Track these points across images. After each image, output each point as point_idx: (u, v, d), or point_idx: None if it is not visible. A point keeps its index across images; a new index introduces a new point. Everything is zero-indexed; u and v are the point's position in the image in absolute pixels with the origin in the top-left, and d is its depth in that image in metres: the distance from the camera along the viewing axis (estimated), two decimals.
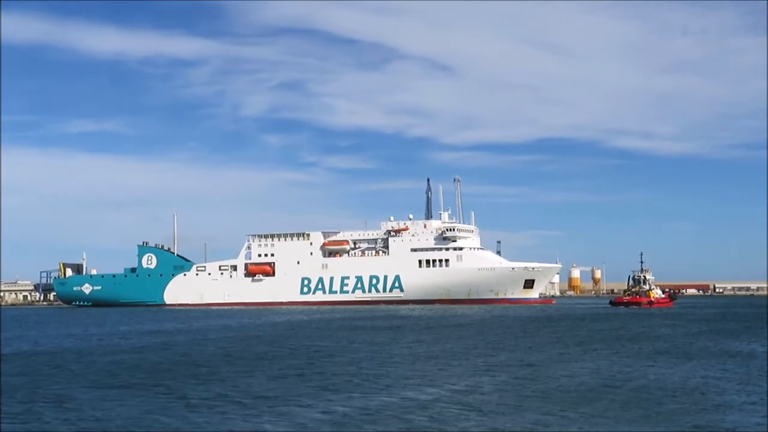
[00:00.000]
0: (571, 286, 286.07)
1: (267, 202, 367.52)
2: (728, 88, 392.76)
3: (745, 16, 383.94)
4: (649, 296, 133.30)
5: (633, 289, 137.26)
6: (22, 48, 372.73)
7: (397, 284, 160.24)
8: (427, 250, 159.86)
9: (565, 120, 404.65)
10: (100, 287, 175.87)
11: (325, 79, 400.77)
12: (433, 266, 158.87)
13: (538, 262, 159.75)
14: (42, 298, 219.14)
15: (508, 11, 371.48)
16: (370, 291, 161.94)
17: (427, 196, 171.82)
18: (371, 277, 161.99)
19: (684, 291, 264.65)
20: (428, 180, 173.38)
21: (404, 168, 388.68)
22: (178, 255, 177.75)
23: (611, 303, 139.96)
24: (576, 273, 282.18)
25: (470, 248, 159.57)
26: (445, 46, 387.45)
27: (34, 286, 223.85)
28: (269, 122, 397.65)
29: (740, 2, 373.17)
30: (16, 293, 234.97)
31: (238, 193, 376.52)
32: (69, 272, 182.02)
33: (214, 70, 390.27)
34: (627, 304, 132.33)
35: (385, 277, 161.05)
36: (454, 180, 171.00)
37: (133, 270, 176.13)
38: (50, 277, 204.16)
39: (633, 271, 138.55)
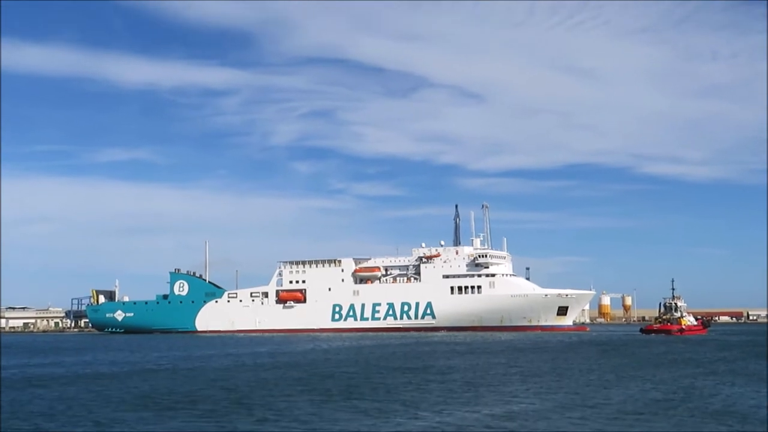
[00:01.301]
0: (602, 314, 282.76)
1: (296, 229, 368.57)
2: (758, 113, 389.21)
3: None
4: (681, 323, 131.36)
5: (664, 317, 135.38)
6: (55, 79, 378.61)
7: (429, 311, 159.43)
8: (459, 276, 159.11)
9: (593, 145, 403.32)
10: (132, 314, 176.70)
11: (354, 107, 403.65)
12: (466, 293, 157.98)
13: (568, 288, 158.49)
14: (73, 324, 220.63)
15: (536, 37, 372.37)
16: (401, 318, 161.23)
17: (456, 223, 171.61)
18: (403, 304, 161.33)
19: (717, 318, 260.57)
20: (456, 206, 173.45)
21: (433, 195, 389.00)
22: (209, 282, 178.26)
23: (642, 330, 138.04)
24: (606, 300, 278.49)
25: (503, 275, 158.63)
26: (473, 73, 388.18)
27: (66, 313, 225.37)
28: (298, 150, 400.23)
29: None
30: (47, 320, 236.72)
31: (267, 221, 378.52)
32: (102, 299, 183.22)
33: (245, 100, 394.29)
34: (657, 331, 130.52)
35: (417, 304, 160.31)
36: (483, 206, 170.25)
37: (165, 297, 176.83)
38: (81, 304, 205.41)
39: (664, 298, 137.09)
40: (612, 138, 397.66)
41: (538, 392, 40.39)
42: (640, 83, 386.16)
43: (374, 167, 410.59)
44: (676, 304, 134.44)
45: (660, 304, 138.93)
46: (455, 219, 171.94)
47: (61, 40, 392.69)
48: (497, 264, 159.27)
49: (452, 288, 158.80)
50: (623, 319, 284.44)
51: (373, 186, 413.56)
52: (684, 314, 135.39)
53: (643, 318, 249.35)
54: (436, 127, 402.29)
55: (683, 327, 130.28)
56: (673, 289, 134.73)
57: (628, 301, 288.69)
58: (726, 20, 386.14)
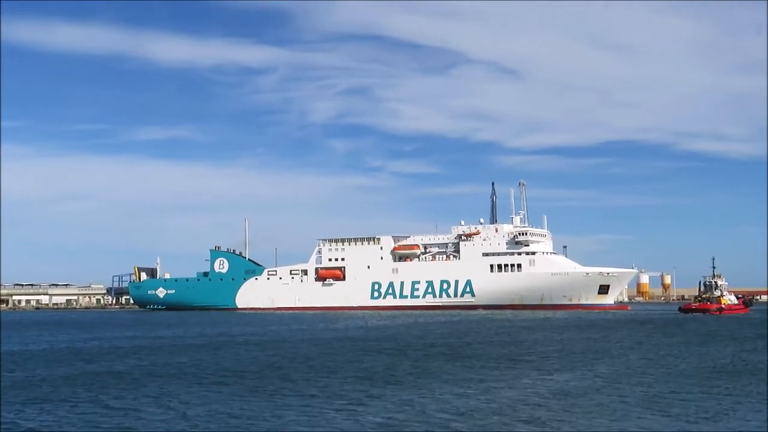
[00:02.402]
0: (640, 292, 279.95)
1: (334, 207, 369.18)
2: None
3: None
4: (720, 302, 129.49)
5: (704, 295, 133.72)
6: (94, 57, 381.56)
7: (468, 289, 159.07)
8: (498, 254, 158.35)
9: (633, 122, 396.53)
10: (173, 291, 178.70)
11: (390, 84, 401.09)
12: (505, 271, 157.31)
13: (605, 266, 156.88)
14: (114, 301, 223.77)
15: (574, 12, 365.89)
16: (440, 296, 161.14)
17: (492, 201, 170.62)
18: (442, 282, 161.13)
19: (759, 297, 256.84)
20: (493, 184, 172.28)
21: (469, 172, 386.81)
22: (249, 259, 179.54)
23: (680, 309, 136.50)
24: (645, 278, 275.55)
25: (543, 252, 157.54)
26: (510, 49, 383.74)
27: (107, 290, 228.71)
28: (335, 128, 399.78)
29: None
30: (89, 297, 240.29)
31: (305, 198, 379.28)
32: (143, 276, 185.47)
33: (282, 77, 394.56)
34: (696, 310, 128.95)
35: (456, 282, 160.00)
36: (519, 184, 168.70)
37: (206, 274, 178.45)
38: (122, 282, 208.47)
39: (704, 277, 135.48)
40: (652, 115, 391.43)
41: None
42: (681, 59, 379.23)
43: (410, 144, 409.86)
44: (716, 282, 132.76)
45: (700, 282, 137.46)
46: (492, 197, 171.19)
47: (99, 19, 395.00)
48: (537, 242, 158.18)
49: (492, 266, 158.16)
50: (662, 298, 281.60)
51: (410, 163, 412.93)
52: (724, 293, 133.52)
53: (683, 297, 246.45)
54: (473, 103, 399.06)
55: (723, 306, 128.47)
56: (713, 267, 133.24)
57: (668, 279, 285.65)
58: None
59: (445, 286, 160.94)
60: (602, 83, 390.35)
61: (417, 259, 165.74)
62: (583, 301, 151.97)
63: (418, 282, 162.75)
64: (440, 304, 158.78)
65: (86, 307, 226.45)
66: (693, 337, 67.21)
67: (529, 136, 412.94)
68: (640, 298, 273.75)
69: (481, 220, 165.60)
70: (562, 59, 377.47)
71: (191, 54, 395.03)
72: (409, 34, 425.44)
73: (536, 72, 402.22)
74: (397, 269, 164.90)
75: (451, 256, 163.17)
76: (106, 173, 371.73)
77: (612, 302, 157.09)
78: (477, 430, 25.15)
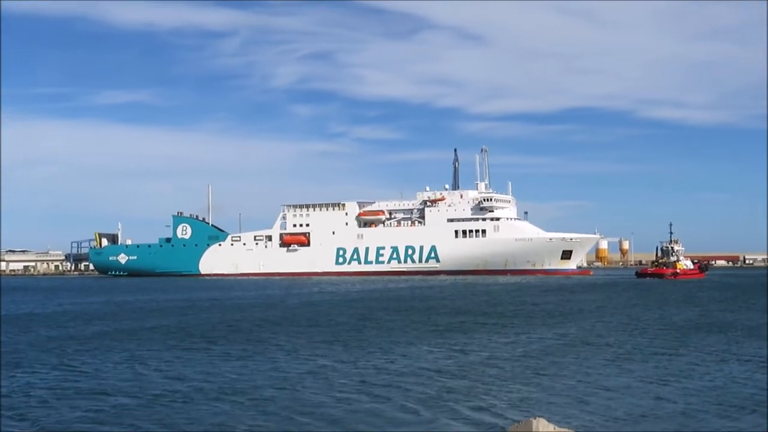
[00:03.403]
0: (599, 257, 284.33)
1: (298, 173, 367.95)
2: (763, 57, 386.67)
3: None
4: (676, 267, 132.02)
5: (661, 260, 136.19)
6: (52, 20, 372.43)
7: (433, 255, 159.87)
8: (463, 220, 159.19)
9: (596, 89, 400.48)
10: (135, 257, 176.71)
11: (354, 49, 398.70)
12: (470, 237, 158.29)
13: (567, 232, 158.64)
14: (73, 268, 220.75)
15: None
16: (405, 261, 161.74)
17: (455, 167, 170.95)
18: (407, 248, 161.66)
19: (714, 262, 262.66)
20: (455, 150, 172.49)
21: (433, 138, 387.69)
22: (212, 225, 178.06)
23: (636, 274, 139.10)
24: (603, 244, 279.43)
25: (507, 218, 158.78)
26: (475, 15, 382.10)
27: (66, 256, 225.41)
28: (298, 93, 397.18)
29: None
30: (47, 263, 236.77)
31: (268, 164, 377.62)
32: (104, 242, 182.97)
33: (244, 41, 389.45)
34: (652, 275, 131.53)
35: (421, 248, 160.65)
36: (482, 150, 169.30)
37: (168, 240, 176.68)
38: (81, 248, 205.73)
39: (661, 242, 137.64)
40: (615, 82, 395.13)
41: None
42: (645, 26, 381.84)
43: (374, 110, 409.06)
44: (672, 248, 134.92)
45: (657, 248, 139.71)
46: (454, 163, 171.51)
47: None
48: (502, 208, 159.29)
49: (456, 232, 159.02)
50: (620, 263, 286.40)
51: (374, 129, 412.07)
52: (680, 258, 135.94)
53: (640, 262, 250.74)
54: (437, 69, 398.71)
55: (677, 271, 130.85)
56: (671, 233, 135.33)
57: (626, 245, 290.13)
58: None
59: (410, 251, 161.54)
60: (566, 50, 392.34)
61: (382, 224, 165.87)
62: (546, 266, 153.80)
63: (383, 248, 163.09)
64: (405, 269, 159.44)
65: (44, 274, 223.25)
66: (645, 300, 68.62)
67: (493, 103, 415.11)
68: (599, 264, 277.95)
69: (446, 186, 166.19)
70: (526, 25, 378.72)
71: (151, 16, 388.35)
72: None
73: (501, 38, 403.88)
74: (362, 235, 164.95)
75: (416, 222, 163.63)
76: (67, 137, 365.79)
77: (575, 267, 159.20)
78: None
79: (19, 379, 27.45)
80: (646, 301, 67.91)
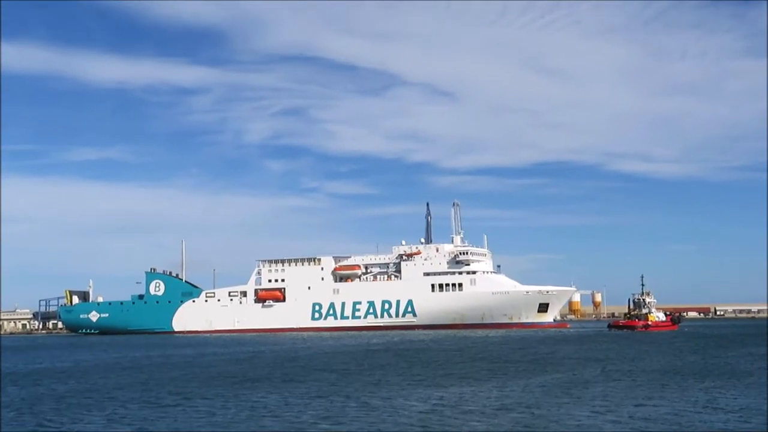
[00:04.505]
0: (572, 310, 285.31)
1: (271, 228, 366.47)
2: (728, 110, 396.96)
3: (743, 39, 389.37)
4: (648, 319, 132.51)
5: (633, 312, 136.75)
6: (25, 77, 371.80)
7: (410, 309, 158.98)
8: (440, 274, 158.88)
9: (564, 143, 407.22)
10: (107, 314, 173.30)
11: (326, 105, 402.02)
12: (447, 290, 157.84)
13: (540, 285, 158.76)
14: (41, 326, 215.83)
15: (508, 37, 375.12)
16: (382, 316, 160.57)
17: (427, 221, 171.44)
18: (383, 302, 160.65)
19: (685, 314, 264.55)
20: (427, 204, 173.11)
21: (405, 192, 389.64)
22: (186, 281, 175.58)
23: (609, 326, 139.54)
24: (576, 297, 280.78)
25: (484, 272, 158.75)
26: (445, 71, 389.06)
27: (33, 314, 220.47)
28: (271, 148, 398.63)
29: (738, 25, 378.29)
30: (15, 322, 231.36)
31: (242, 219, 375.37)
32: (75, 300, 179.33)
33: (217, 98, 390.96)
34: (623, 327, 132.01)
35: (398, 302, 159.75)
36: (454, 204, 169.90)
37: (141, 297, 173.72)
38: (50, 306, 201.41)
39: (633, 294, 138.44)
40: (583, 136, 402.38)
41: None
42: (611, 82, 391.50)
43: (347, 165, 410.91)
44: (644, 300, 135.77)
45: (629, 300, 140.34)
46: (427, 217, 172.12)
47: (31, 38, 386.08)
48: (478, 261, 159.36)
49: (433, 285, 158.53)
50: (593, 316, 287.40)
51: (346, 184, 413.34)
52: (652, 310, 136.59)
53: (613, 314, 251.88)
54: (409, 125, 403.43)
55: (649, 323, 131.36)
56: (642, 285, 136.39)
57: (598, 297, 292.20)
58: (695, 19, 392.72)
59: (386, 306, 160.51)
60: (534, 105, 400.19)
61: (358, 279, 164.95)
62: (524, 320, 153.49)
63: (360, 302, 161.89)
64: (382, 324, 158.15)
65: (11, 333, 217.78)
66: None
67: (464, 157, 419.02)
68: (572, 316, 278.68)
69: (422, 240, 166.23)
70: (496, 81, 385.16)
71: (124, 74, 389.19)
72: (345, 55, 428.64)
73: (470, 94, 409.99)
74: (338, 290, 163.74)
75: (393, 276, 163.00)
76: (37, 195, 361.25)
77: (552, 320, 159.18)
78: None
79: None
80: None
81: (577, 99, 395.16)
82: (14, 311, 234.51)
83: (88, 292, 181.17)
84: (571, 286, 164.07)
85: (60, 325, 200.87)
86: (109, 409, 35.44)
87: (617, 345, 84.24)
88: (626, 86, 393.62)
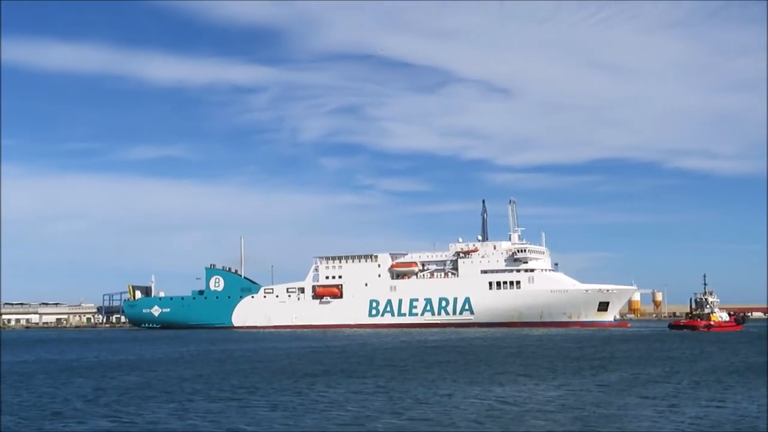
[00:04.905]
0: (632, 309, 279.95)
1: (327, 225, 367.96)
2: None
3: None
4: (710, 319, 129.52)
5: (695, 312, 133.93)
6: (86, 77, 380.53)
7: (467, 307, 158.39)
8: (497, 271, 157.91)
9: (622, 141, 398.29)
10: (169, 309, 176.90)
11: (381, 103, 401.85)
12: (504, 288, 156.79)
13: (597, 283, 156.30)
14: (105, 320, 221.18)
15: (565, 33, 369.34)
16: (439, 313, 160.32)
17: (483, 218, 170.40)
18: (441, 299, 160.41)
19: (750, 314, 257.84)
20: (483, 202, 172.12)
21: (459, 190, 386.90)
22: (245, 277, 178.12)
23: (669, 326, 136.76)
24: (636, 296, 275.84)
25: (542, 270, 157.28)
26: (501, 68, 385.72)
27: (97, 308, 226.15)
28: (326, 146, 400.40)
29: None
30: (80, 316, 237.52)
31: (297, 216, 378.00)
32: (138, 294, 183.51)
33: (273, 96, 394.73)
34: (684, 327, 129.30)
35: (455, 300, 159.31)
36: (510, 201, 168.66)
37: (201, 292, 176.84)
38: (113, 300, 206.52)
39: (695, 294, 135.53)
40: (641, 133, 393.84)
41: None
42: (670, 78, 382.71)
43: (401, 163, 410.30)
44: (706, 299, 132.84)
45: (691, 299, 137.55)
46: (483, 214, 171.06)
47: (93, 39, 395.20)
48: (536, 259, 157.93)
49: (491, 283, 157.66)
50: (653, 315, 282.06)
51: (401, 181, 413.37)
52: (715, 310, 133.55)
53: (674, 314, 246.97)
54: (464, 122, 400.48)
55: (711, 323, 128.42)
56: (704, 284, 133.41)
57: (659, 296, 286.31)
58: (756, 14, 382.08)
59: (443, 303, 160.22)
60: (592, 101, 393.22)
61: (415, 276, 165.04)
62: (583, 319, 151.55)
63: (417, 299, 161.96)
64: (439, 321, 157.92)
65: (76, 326, 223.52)
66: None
67: (519, 154, 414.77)
68: (632, 315, 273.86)
69: (479, 237, 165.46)
70: (552, 78, 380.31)
71: (183, 73, 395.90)
72: (400, 53, 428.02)
73: (526, 91, 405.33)
74: (395, 287, 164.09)
75: (450, 274, 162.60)
76: (99, 192, 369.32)
77: (612, 319, 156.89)
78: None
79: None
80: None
81: (634, 95, 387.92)
82: (79, 305, 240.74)
83: (150, 287, 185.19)
84: (631, 285, 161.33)
85: (123, 319, 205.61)
86: (181, 400, 36.27)
87: (679, 345, 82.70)
88: (685, 82, 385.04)
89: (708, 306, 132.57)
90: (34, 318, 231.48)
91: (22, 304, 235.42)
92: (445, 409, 32.62)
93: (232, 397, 37.60)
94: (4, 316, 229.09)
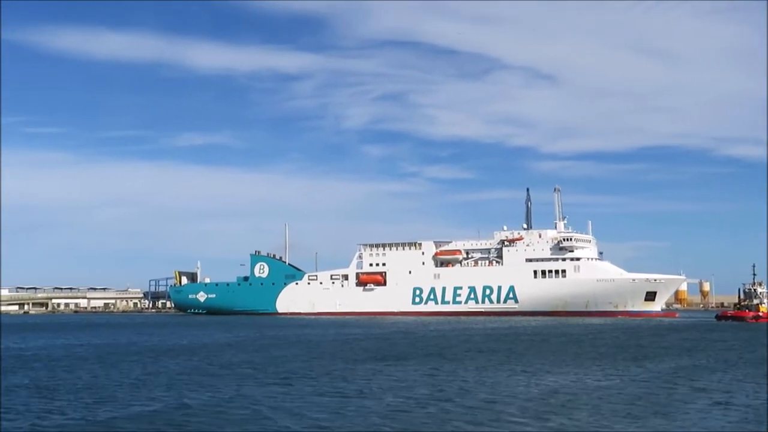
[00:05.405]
0: (678, 299, 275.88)
1: (370, 213, 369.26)
2: None
3: None
4: (759, 310, 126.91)
5: (744, 303, 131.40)
6: (134, 65, 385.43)
7: (511, 295, 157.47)
8: (542, 260, 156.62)
9: (670, 128, 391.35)
10: (214, 295, 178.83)
11: (426, 90, 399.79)
12: (549, 277, 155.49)
13: (644, 273, 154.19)
14: (151, 305, 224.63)
15: (611, 17, 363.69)
16: (483, 302, 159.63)
17: (527, 206, 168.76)
18: (485, 288, 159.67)
19: None
20: (528, 190, 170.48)
21: (504, 177, 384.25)
22: (289, 264, 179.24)
23: (717, 317, 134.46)
24: (683, 285, 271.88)
25: (588, 258, 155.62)
26: (547, 54, 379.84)
27: (144, 294, 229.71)
28: (370, 133, 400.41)
29: None
30: (127, 300, 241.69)
31: (341, 204, 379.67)
32: (184, 280, 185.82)
33: (318, 83, 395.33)
34: (731, 317, 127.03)
35: (499, 288, 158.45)
36: (555, 189, 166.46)
37: (246, 279, 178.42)
38: (159, 286, 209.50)
39: (743, 284, 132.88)
40: (690, 120, 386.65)
41: None
42: (719, 63, 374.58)
43: (446, 150, 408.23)
44: (755, 290, 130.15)
45: (739, 290, 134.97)
46: (527, 202, 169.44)
47: (139, 26, 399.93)
48: (582, 248, 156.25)
49: (535, 272, 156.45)
50: (701, 306, 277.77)
51: (445, 169, 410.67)
52: (764, 300, 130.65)
53: (722, 304, 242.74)
54: (509, 109, 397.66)
55: (760, 314, 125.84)
56: (754, 274, 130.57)
57: (706, 287, 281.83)
58: None
59: (487, 291, 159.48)
60: (639, 88, 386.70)
61: (459, 264, 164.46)
62: (630, 308, 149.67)
63: (461, 288, 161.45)
64: (483, 310, 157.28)
65: (123, 311, 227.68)
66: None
67: (565, 142, 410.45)
68: (678, 306, 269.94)
69: (524, 226, 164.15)
70: (598, 64, 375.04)
71: (229, 61, 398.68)
72: (446, 40, 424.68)
73: (572, 77, 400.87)
74: (438, 275, 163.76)
75: (494, 262, 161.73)
76: (146, 179, 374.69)
77: (659, 309, 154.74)
78: None
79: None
80: None
81: (683, 81, 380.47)
82: (126, 290, 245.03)
83: (196, 273, 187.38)
84: (680, 275, 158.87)
85: (168, 304, 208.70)
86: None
87: (731, 335, 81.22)
88: (736, 67, 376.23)
89: (757, 297, 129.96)
90: (83, 302, 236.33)
91: (71, 288, 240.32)
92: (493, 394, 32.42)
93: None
94: (54, 300, 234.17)
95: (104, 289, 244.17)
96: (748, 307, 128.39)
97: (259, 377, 40.48)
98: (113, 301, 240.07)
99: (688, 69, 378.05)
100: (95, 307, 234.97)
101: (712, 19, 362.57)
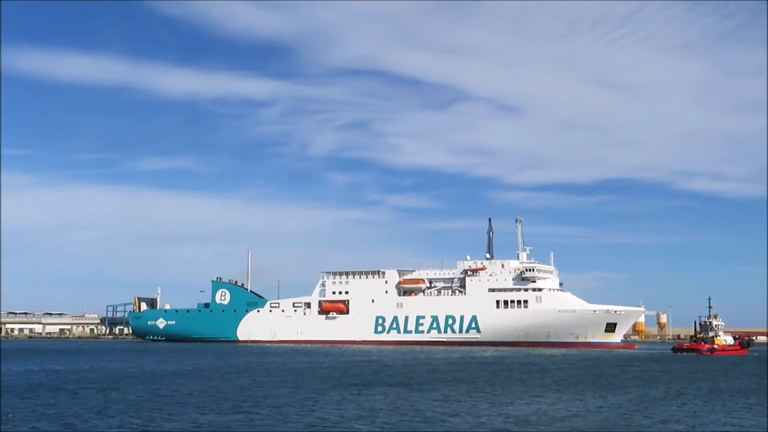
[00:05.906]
0: (636, 331, 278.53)
1: (333, 241, 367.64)
2: None
3: None
4: (714, 343, 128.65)
5: (699, 335, 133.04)
6: (100, 89, 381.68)
7: (473, 325, 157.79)
8: (505, 290, 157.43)
9: (632, 161, 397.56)
10: (174, 322, 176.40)
11: (391, 119, 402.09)
12: (512, 307, 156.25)
13: (603, 304, 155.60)
14: (108, 332, 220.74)
15: (575, 52, 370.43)
16: (445, 331, 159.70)
17: (489, 236, 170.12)
18: (447, 317, 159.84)
19: (755, 338, 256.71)
20: (490, 220, 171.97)
21: (467, 207, 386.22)
22: (251, 291, 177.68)
23: (673, 349, 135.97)
24: (641, 317, 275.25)
25: (549, 289, 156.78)
26: (511, 86, 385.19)
27: (101, 319, 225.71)
28: (335, 161, 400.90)
29: None
30: (83, 326, 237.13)
31: (305, 230, 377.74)
32: (143, 306, 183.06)
33: (284, 110, 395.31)
34: (687, 350, 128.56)
35: (462, 318, 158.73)
36: (516, 220, 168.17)
37: (207, 305, 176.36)
38: (116, 312, 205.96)
39: (700, 317, 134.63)
40: (651, 153, 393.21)
41: None
42: (681, 99, 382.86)
43: (410, 179, 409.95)
44: (711, 322, 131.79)
45: (695, 322, 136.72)
46: (489, 232, 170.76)
47: (107, 51, 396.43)
48: (544, 278, 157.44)
49: (498, 302, 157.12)
50: (658, 338, 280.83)
51: (408, 198, 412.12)
52: (719, 333, 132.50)
53: (678, 336, 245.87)
54: (473, 139, 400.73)
55: (715, 346, 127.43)
56: (709, 307, 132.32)
57: (663, 318, 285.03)
58: None
59: (450, 321, 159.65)
60: (601, 121, 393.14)
61: (422, 293, 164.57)
62: (590, 339, 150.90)
63: (423, 317, 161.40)
64: (445, 339, 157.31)
65: (79, 337, 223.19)
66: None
67: (528, 173, 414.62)
68: (636, 337, 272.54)
69: (487, 256, 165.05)
70: (562, 97, 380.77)
71: (195, 85, 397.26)
72: (411, 70, 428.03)
73: (536, 109, 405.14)
74: (401, 303, 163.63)
75: (457, 291, 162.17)
76: (108, 203, 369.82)
77: (619, 341, 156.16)
78: None
79: None
80: None
81: (645, 115, 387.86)
82: (83, 316, 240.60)
83: (155, 299, 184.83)
84: (639, 306, 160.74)
85: (126, 330, 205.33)
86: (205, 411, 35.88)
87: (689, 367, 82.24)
88: (697, 103, 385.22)
89: (712, 329, 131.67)
90: (37, 328, 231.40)
91: (25, 313, 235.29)
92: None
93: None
94: (7, 326, 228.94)
95: (60, 314, 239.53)
96: (704, 340, 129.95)
97: (221, 406, 39.87)
98: (69, 326, 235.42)
99: (649, 103, 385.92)
100: (50, 333, 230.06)
101: (673, 54, 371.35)
